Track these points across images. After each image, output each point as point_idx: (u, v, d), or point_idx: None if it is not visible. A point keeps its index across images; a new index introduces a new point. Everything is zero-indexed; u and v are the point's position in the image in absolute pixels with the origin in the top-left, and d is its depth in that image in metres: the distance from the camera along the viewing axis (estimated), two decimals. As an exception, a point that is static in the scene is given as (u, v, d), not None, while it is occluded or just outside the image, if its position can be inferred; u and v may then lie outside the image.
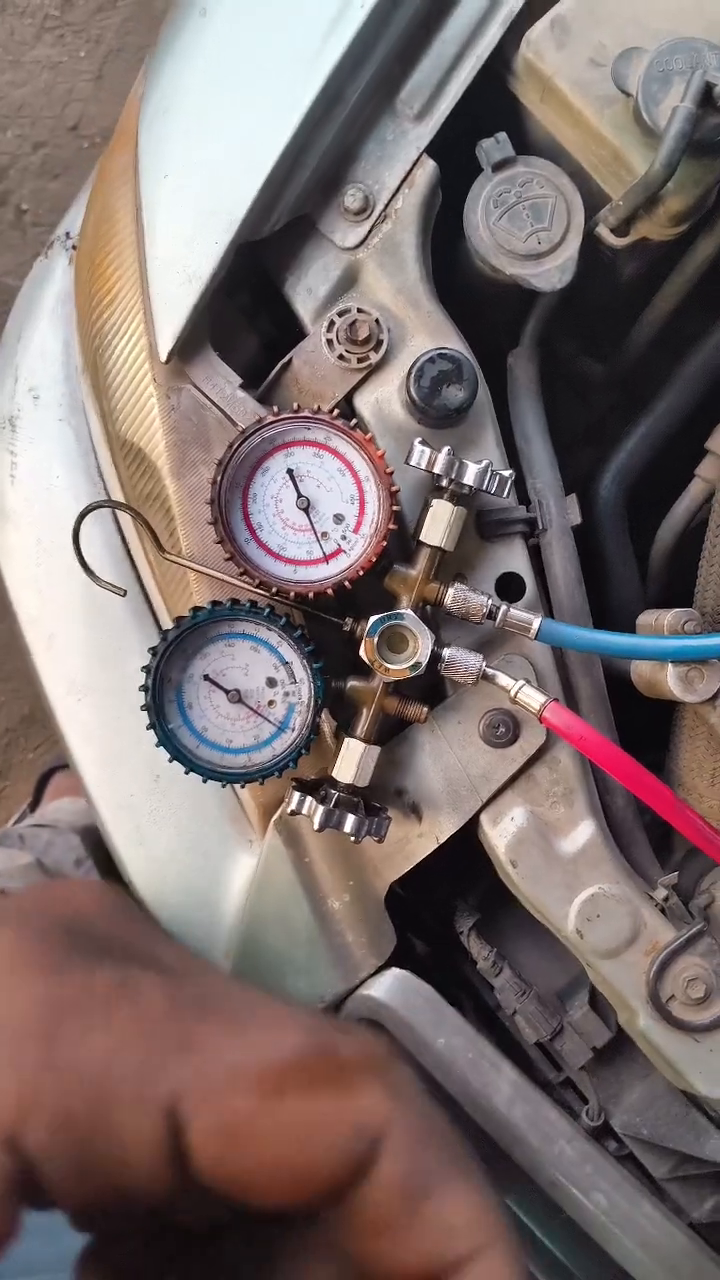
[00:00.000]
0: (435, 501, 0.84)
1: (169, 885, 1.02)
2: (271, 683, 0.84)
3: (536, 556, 0.93)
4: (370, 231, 0.91)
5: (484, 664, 0.84)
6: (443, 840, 0.92)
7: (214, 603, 0.84)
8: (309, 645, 0.83)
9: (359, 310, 0.90)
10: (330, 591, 0.84)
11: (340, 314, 0.90)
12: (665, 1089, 0.98)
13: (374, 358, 0.90)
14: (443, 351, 0.87)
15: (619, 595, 1.07)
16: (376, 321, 0.90)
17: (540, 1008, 1.00)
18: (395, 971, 0.99)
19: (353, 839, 0.84)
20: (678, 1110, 0.98)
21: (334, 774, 0.86)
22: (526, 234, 0.90)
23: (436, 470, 0.82)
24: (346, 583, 0.84)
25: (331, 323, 0.90)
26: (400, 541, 0.89)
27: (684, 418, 1.06)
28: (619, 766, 0.82)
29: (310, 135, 0.86)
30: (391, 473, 0.84)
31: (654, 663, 0.88)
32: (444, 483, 0.83)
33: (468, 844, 0.96)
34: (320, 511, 0.84)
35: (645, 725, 0.98)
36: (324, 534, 0.84)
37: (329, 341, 0.90)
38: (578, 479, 1.16)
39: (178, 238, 0.89)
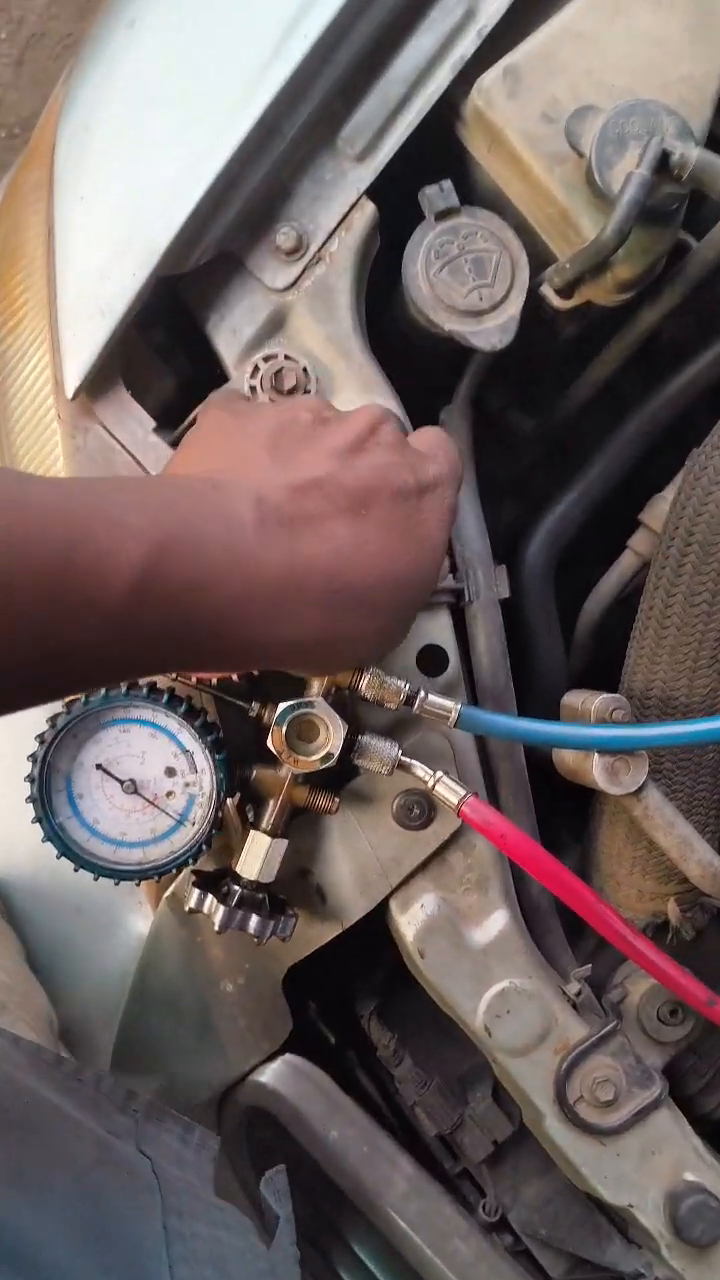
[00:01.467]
0: None
1: (58, 940, 0.95)
2: (170, 772, 0.77)
3: (461, 626, 0.89)
4: (302, 273, 0.85)
5: (399, 752, 0.79)
6: (347, 926, 0.87)
7: (109, 685, 0.77)
8: (211, 733, 0.77)
9: (286, 357, 0.84)
10: (235, 676, 0.78)
11: (266, 359, 0.84)
12: (566, 1186, 0.94)
13: (299, 409, 0.84)
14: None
15: (542, 665, 1.03)
16: (304, 370, 0.85)
17: (441, 1100, 0.95)
18: (288, 1057, 0.94)
19: (257, 941, 0.78)
20: (579, 1211, 0.94)
21: (237, 869, 0.80)
22: (468, 289, 0.85)
23: None
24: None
25: (256, 368, 0.84)
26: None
27: (617, 483, 1.02)
28: (540, 866, 0.78)
29: (243, 168, 0.80)
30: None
31: (580, 752, 0.84)
32: None
33: (372, 924, 0.91)
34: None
35: (566, 796, 0.94)
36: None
37: (252, 388, 0.84)
38: (499, 534, 1.12)
39: (92, 266, 0.82)
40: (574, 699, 0.86)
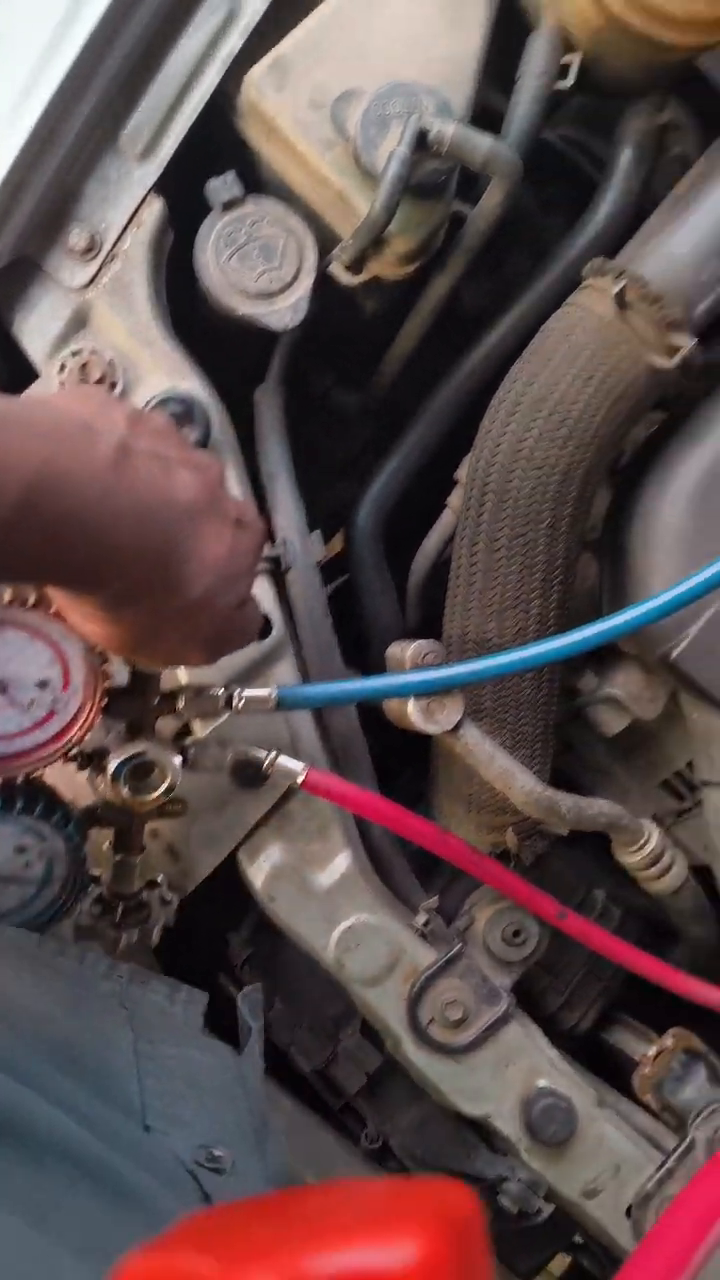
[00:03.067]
0: None
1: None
2: (20, 849, 0.82)
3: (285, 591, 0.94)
4: (99, 271, 0.89)
5: (233, 750, 0.85)
6: (199, 881, 0.92)
7: None
8: (53, 815, 0.81)
9: (91, 351, 0.89)
10: (62, 760, 0.80)
11: (72, 354, 0.89)
12: (436, 1108, 1.00)
13: (109, 398, 0.89)
14: (171, 394, 0.87)
15: (379, 623, 1.08)
16: (110, 362, 0.89)
17: (312, 1038, 1.01)
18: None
19: None
20: (449, 1128, 1.00)
21: (113, 887, 0.87)
22: (258, 273, 0.90)
23: None
24: (63, 754, 0.80)
25: (63, 364, 0.89)
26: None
27: (434, 450, 1.08)
28: (381, 814, 0.84)
29: (27, 174, 0.84)
30: None
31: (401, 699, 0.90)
32: None
33: (236, 880, 0.96)
34: (22, 683, 0.79)
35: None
36: (30, 701, 0.79)
37: (61, 384, 0.89)
38: (339, 509, 1.18)
39: None
40: (395, 649, 0.92)
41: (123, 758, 0.82)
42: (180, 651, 0.74)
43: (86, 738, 0.79)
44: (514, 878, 0.90)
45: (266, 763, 0.84)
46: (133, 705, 0.83)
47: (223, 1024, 0.85)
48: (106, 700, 0.80)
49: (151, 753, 0.82)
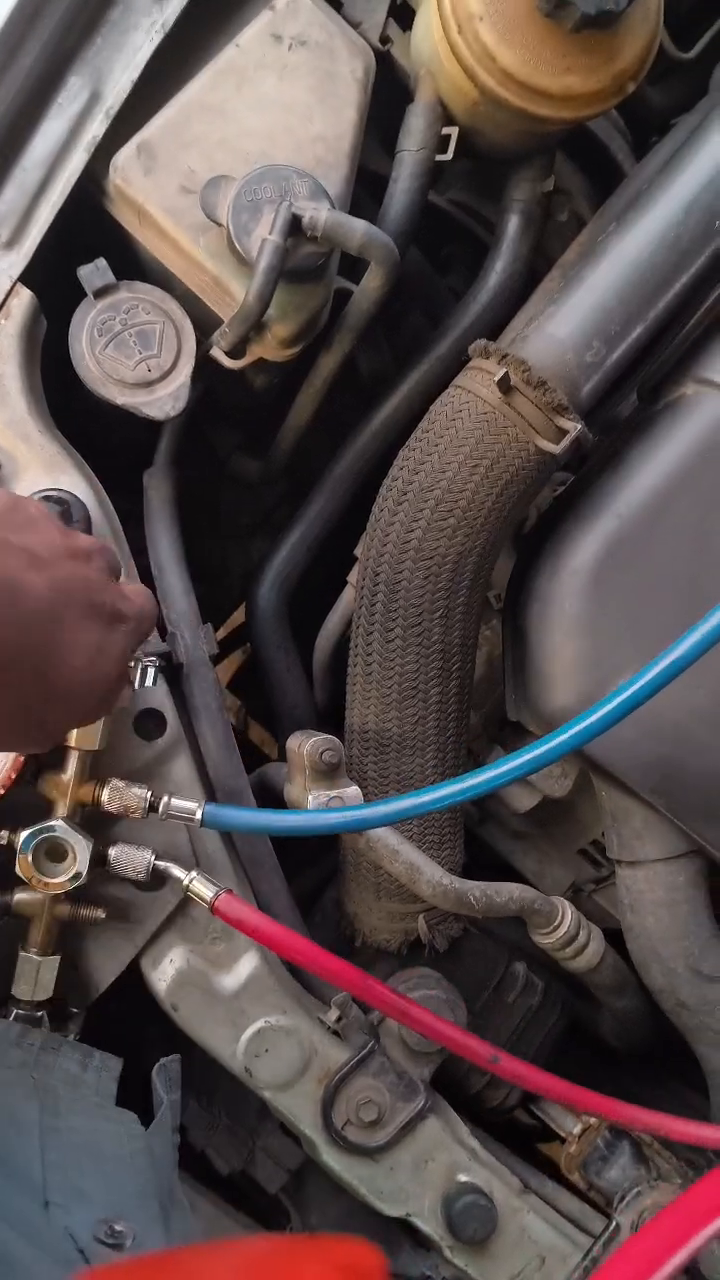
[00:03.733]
0: None
1: None
2: None
3: (177, 686, 0.91)
4: (-31, 365, 0.86)
5: (153, 858, 0.83)
6: (99, 993, 0.89)
7: None
8: None
9: (-35, 448, 0.86)
10: None
11: (-56, 452, 0.85)
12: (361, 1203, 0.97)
13: (-15, 497, 0.85)
14: (48, 493, 0.84)
15: (287, 701, 1.06)
16: (-15, 459, 0.86)
17: (230, 1138, 0.98)
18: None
19: None
20: (374, 1222, 0.97)
21: (13, 991, 0.83)
22: (136, 361, 0.87)
23: None
24: None
25: (-64, 464, 0.85)
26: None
27: (336, 520, 1.06)
28: (293, 950, 0.81)
29: None
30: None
31: (300, 792, 0.88)
32: None
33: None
34: None
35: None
36: None
37: (-66, 483, 0.85)
38: (250, 572, 1.15)
39: None
40: (293, 743, 0.90)
41: (33, 829, 0.80)
42: (50, 738, 0.71)
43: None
44: (446, 1025, 0.87)
45: (186, 882, 0.83)
46: (52, 780, 0.82)
47: (142, 1100, 0.83)
48: (24, 767, 0.79)
49: (62, 831, 0.80)
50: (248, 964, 0.90)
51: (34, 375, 0.88)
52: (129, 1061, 1.01)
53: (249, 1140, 0.98)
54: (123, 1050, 1.03)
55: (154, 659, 0.88)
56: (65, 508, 0.84)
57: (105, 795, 0.82)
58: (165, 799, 0.82)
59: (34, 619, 0.64)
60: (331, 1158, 0.91)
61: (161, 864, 0.84)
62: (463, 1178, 0.92)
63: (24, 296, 0.86)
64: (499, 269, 0.98)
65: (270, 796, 0.96)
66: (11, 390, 0.86)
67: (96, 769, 0.83)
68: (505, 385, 0.82)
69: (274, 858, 0.93)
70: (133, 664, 0.80)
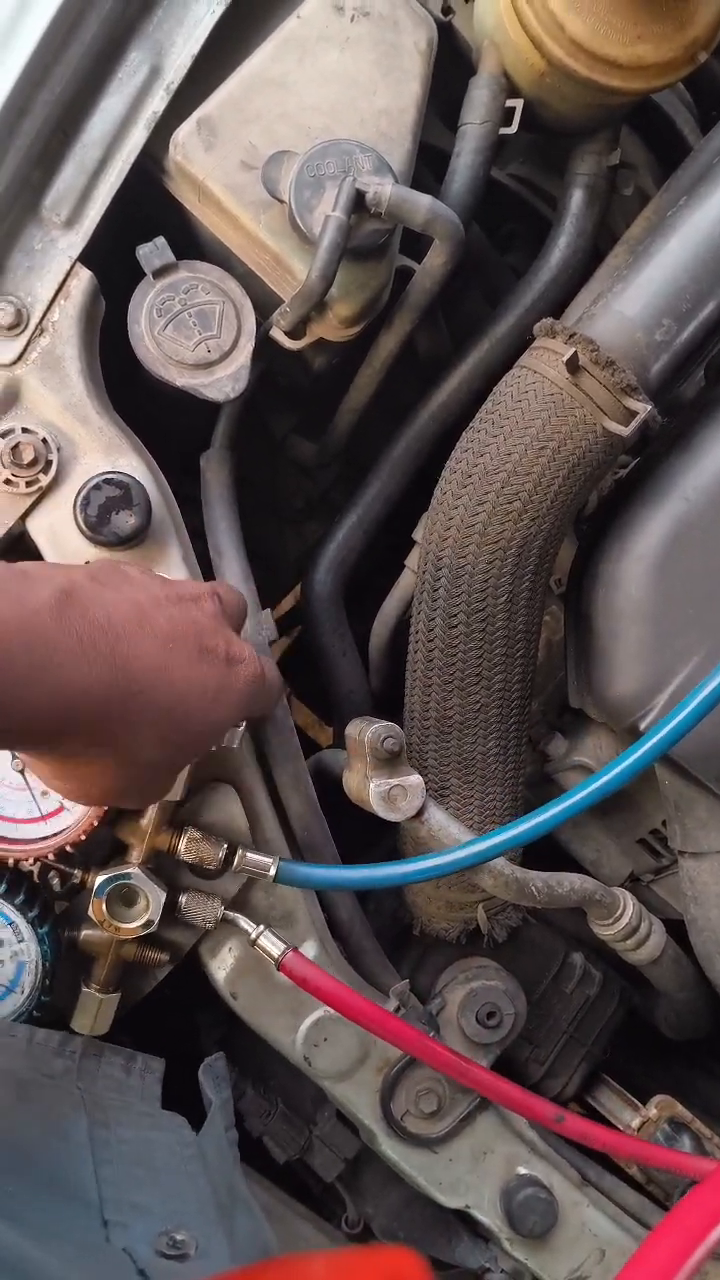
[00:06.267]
0: None
1: None
2: None
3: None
4: (27, 346, 0.85)
5: (223, 909, 0.83)
6: (155, 984, 0.89)
7: None
8: (34, 907, 0.80)
9: (23, 430, 0.84)
10: (52, 856, 0.81)
11: (2, 435, 0.84)
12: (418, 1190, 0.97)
13: (43, 480, 0.85)
14: (109, 476, 0.83)
15: (343, 687, 1.05)
16: (44, 441, 0.85)
17: (287, 1126, 0.97)
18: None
19: None
20: (431, 1212, 0.97)
21: (73, 1024, 0.84)
22: (195, 342, 0.86)
23: None
24: (69, 847, 0.81)
25: (-7, 445, 0.84)
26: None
27: (395, 500, 1.04)
28: (362, 1014, 0.81)
29: (-58, 253, 0.80)
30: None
31: (360, 780, 0.86)
32: None
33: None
34: None
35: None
36: (44, 792, 0.80)
37: (-8, 466, 0.84)
38: (305, 553, 1.14)
39: None
40: (354, 730, 0.88)
41: (110, 874, 0.81)
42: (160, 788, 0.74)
43: (80, 843, 0.81)
44: (510, 1085, 0.86)
45: (254, 936, 0.83)
46: (130, 826, 0.83)
47: (192, 1101, 0.83)
48: (109, 810, 0.81)
49: (137, 879, 0.82)
50: (307, 952, 0.89)
51: (93, 357, 0.87)
52: (178, 1048, 1.01)
53: (306, 1128, 0.97)
54: (173, 1038, 1.04)
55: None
56: (125, 491, 0.83)
57: (182, 846, 0.83)
58: (240, 852, 0.82)
59: (145, 673, 0.65)
60: (390, 1148, 0.90)
61: (231, 914, 0.85)
62: (522, 1170, 0.91)
63: (83, 277, 0.85)
64: (562, 245, 0.96)
65: (327, 783, 0.95)
66: (71, 372, 0.85)
67: (175, 818, 0.84)
68: (574, 365, 0.80)
69: (333, 845, 0.92)
70: None
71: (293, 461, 1.15)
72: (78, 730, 0.64)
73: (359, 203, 0.81)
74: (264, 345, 0.89)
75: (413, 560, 0.99)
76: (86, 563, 0.82)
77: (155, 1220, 0.65)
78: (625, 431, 0.80)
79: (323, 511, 1.19)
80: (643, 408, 0.81)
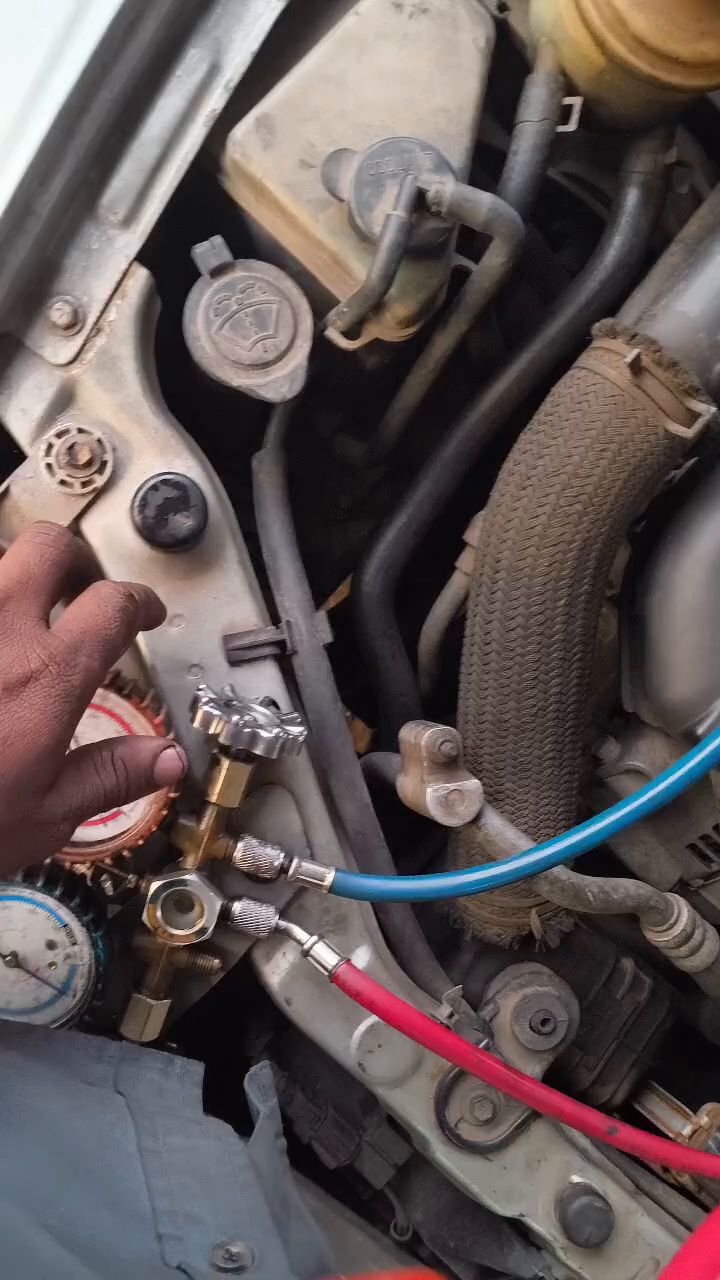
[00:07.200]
0: (225, 761, 0.81)
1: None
2: (51, 945, 0.81)
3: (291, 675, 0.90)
4: (84, 346, 0.84)
5: (277, 918, 0.83)
6: (203, 992, 0.88)
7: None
8: (89, 910, 0.80)
9: (79, 430, 0.84)
10: (109, 860, 0.80)
11: (58, 435, 0.84)
12: (469, 1197, 0.96)
13: (99, 480, 0.84)
14: (166, 477, 0.82)
15: (393, 690, 1.04)
16: (99, 442, 0.84)
17: (337, 1131, 0.97)
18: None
19: None
20: (483, 1219, 0.96)
21: (123, 1030, 0.84)
22: (251, 342, 0.85)
23: (223, 741, 0.78)
24: (125, 851, 0.80)
25: (49, 445, 0.84)
26: (185, 785, 0.84)
27: (446, 501, 1.03)
28: (413, 1026, 0.81)
29: (2, 249, 0.79)
30: (173, 739, 0.79)
31: (416, 784, 0.85)
32: (233, 750, 0.80)
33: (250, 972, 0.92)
34: None
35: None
36: None
37: (48, 466, 0.84)
38: (349, 553, 1.13)
39: None
40: (408, 734, 0.87)
41: (165, 881, 0.81)
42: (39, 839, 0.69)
43: (138, 846, 0.81)
44: (562, 1099, 0.86)
45: (307, 946, 0.83)
46: (186, 832, 0.83)
47: (230, 1105, 0.82)
48: (167, 815, 0.81)
49: (193, 886, 0.81)
50: (361, 958, 0.89)
51: (149, 357, 0.87)
52: (222, 1051, 1.01)
53: (356, 1135, 0.97)
54: (217, 1040, 1.03)
55: (268, 647, 0.87)
56: (183, 491, 0.82)
57: (238, 853, 0.82)
58: (296, 862, 0.82)
59: None
60: (444, 1155, 0.89)
61: (284, 924, 0.84)
62: (576, 1178, 0.90)
63: (140, 276, 0.84)
64: (617, 244, 0.94)
65: (374, 785, 0.94)
66: (127, 372, 0.85)
67: (231, 825, 0.84)
68: (636, 367, 0.79)
69: (386, 850, 0.92)
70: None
71: (339, 460, 1.14)
72: None
73: (419, 201, 0.80)
74: (318, 345, 0.88)
75: (464, 562, 0.98)
76: None
77: (210, 1232, 0.64)
78: (688, 433, 0.80)
79: (368, 511, 1.18)
80: (706, 409, 0.80)
